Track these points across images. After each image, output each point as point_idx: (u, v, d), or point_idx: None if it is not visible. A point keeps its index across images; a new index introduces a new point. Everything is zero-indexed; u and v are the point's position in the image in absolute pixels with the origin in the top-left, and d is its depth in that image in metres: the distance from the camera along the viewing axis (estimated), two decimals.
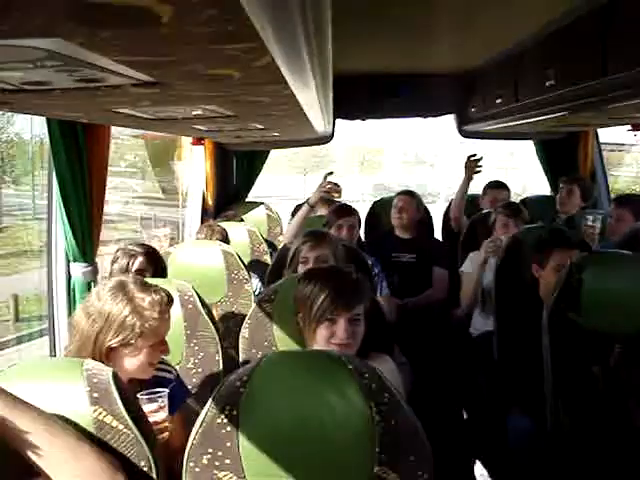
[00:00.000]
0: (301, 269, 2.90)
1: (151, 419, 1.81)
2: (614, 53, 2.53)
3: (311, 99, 2.09)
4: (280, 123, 2.92)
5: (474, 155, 4.81)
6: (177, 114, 2.22)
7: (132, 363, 1.93)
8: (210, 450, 1.55)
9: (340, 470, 1.54)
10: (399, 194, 4.56)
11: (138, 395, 1.88)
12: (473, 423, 3.74)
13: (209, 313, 2.51)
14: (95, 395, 1.54)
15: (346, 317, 2.03)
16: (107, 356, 1.89)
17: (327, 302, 2.03)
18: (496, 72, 4.35)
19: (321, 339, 2.03)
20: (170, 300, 1.97)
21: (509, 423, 2.93)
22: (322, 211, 4.75)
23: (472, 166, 4.78)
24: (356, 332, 2.06)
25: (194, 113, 2.19)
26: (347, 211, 3.94)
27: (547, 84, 3.28)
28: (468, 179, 4.82)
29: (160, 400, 1.91)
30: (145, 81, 1.26)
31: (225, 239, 3.87)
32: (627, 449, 2.45)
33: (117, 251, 2.72)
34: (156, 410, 1.89)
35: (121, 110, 1.93)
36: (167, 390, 1.95)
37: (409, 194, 4.54)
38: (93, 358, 1.80)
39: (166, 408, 1.92)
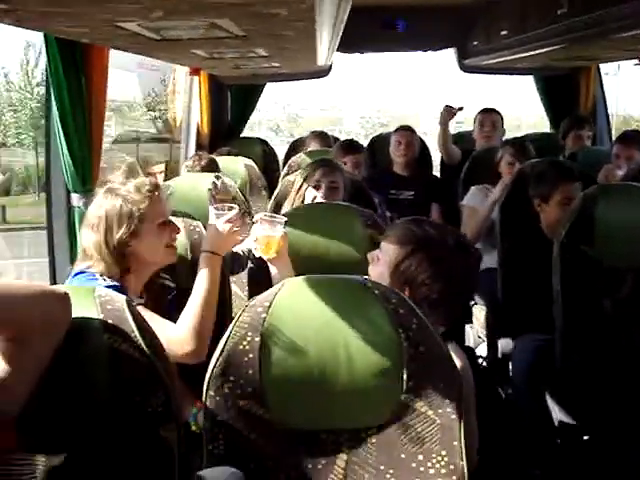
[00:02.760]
0: (310, 193, 2.81)
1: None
2: None
3: (327, 18, 1.99)
4: (285, 50, 2.81)
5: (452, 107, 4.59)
6: (182, 33, 2.12)
7: (149, 250, 2.02)
8: (232, 378, 1.50)
9: (366, 397, 1.50)
10: (398, 130, 4.42)
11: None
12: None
13: None
14: (109, 322, 1.48)
15: None
16: (124, 255, 1.98)
17: None
18: (501, 3, 4.24)
19: None
20: (156, 184, 2.08)
21: (515, 357, 2.90)
22: (314, 145, 4.65)
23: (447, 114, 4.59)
24: None
25: (201, 32, 2.08)
26: (353, 148, 3.84)
27: (559, 12, 3.18)
28: (444, 125, 4.62)
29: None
30: None
31: (215, 168, 3.74)
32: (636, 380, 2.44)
33: None
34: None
35: (126, 25, 1.83)
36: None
37: (409, 129, 4.41)
38: (116, 264, 1.95)
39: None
